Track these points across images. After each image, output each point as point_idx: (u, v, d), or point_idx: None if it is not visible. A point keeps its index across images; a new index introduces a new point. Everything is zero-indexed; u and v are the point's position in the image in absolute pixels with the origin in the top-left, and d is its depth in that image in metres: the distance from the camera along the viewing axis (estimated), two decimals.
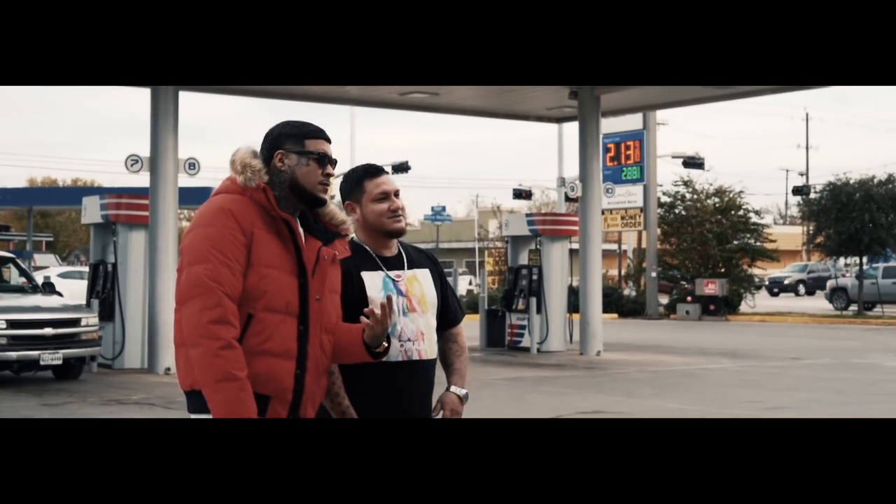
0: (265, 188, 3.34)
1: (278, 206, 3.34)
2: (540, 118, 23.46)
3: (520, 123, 41.62)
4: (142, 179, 17.40)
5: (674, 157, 36.49)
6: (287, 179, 3.40)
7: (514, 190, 28.94)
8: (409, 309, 3.80)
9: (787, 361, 18.60)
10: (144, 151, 16.96)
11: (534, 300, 20.36)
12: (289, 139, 3.43)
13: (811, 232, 38.21)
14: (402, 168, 32.87)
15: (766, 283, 48.84)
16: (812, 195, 33.68)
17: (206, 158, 18.40)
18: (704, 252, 34.14)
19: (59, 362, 14.34)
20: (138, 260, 16.97)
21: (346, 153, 38.17)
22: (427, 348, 3.83)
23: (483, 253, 47.84)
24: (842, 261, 37.59)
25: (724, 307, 32.49)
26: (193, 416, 3.30)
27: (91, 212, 17.71)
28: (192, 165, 17.11)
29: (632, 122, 33.13)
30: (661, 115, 36.12)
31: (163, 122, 16.79)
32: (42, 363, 14.22)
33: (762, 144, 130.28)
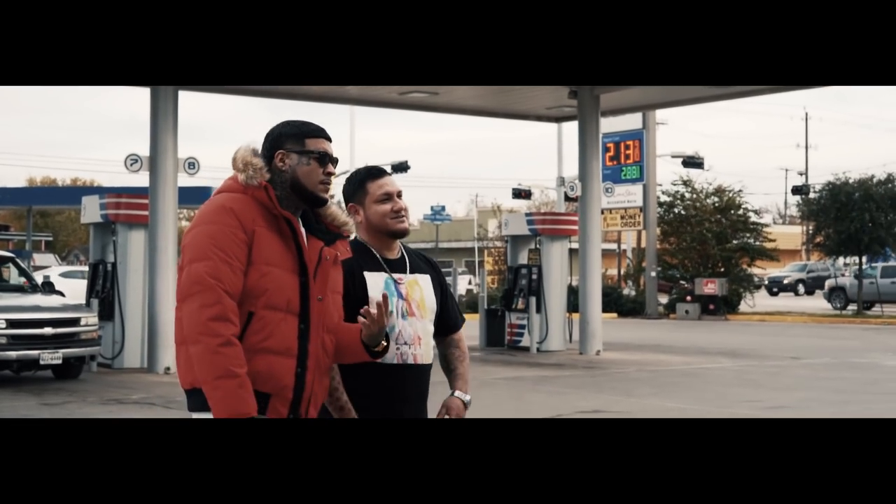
0: (266, 186, 3.35)
1: (280, 205, 3.35)
2: (539, 118, 23.47)
3: (519, 123, 41.65)
4: (141, 179, 17.43)
5: (673, 156, 36.53)
6: (288, 179, 3.40)
7: (514, 189, 28.93)
8: (408, 312, 3.81)
9: (786, 361, 18.61)
10: (144, 151, 16.97)
11: (533, 300, 20.37)
12: (289, 139, 3.44)
13: (811, 231, 38.20)
14: (401, 168, 32.85)
15: (766, 282, 48.85)
16: (811, 195, 33.70)
17: (205, 158, 18.40)
18: (704, 251, 34.16)
19: (59, 362, 14.34)
20: (138, 259, 16.97)
21: (346, 153, 38.21)
22: (423, 353, 3.84)
23: (482, 252, 47.83)
24: (841, 260, 37.61)
25: (723, 307, 32.49)
26: (194, 415, 3.31)
27: (90, 211, 17.71)
28: (192, 165, 17.11)
29: (631, 121, 33.15)
30: (660, 114, 36.13)
31: (162, 121, 16.80)
32: (42, 363, 14.22)
33: (761, 144, 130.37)
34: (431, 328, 3.91)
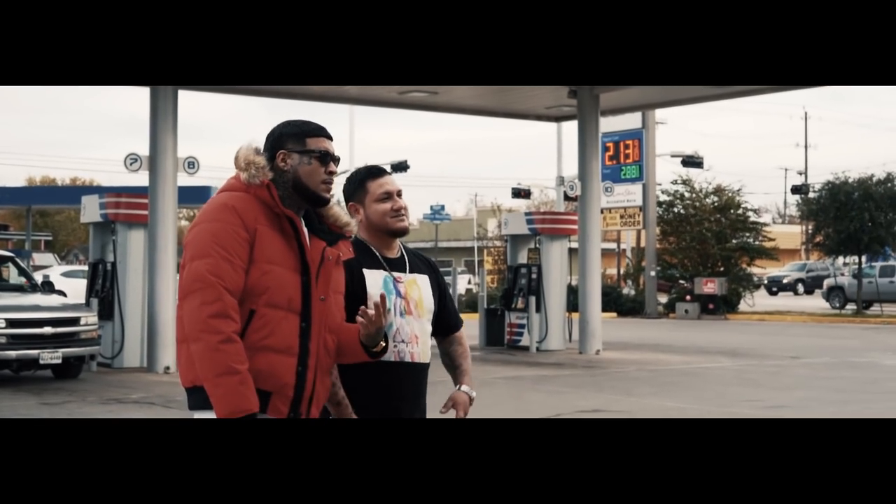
0: (269, 185, 3.36)
1: (282, 204, 3.36)
2: (539, 117, 23.47)
3: (519, 122, 41.64)
4: (141, 178, 17.42)
5: (673, 155, 36.53)
6: (290, 179, 3.41)
7: (513, 189, 28.94)
8: (406, 311, 3.83)
9: (786, 360, 18.61)
10: (144, 150, 16.97)
11: (533, 299, 20.37)
12: (290, 139, 3.44)
13: (810, 231, 38.21)
14: (400, 167, 32.84)
15: (765, 281, 48.86)
16: (811, 194, 33.72)
17: (205, 157, 18.38)
18: (703, 251, 34.17)
19: (59, 361, 14.34)
20: (137, 259, 16.98)
21: (345, 152, 38.19)
22: (420, 352, 3.86)
23: (482, 252, 47.83)
24: (841, 260, 37.63)
25: (723, 306, 32.50)
26: (195, 414, 3.31)
27: (90, 211, 17.71)
28: (192, 164, 17.11)
29: (631, 120, 33.15)
30: (660, 113, 36.12)
31: (162, 121, 16.80)
32: (41, 362, 14.22)
33: (761, 143, 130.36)
34: (429, 328, 3.92)
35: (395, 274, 3.86)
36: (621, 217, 34.97)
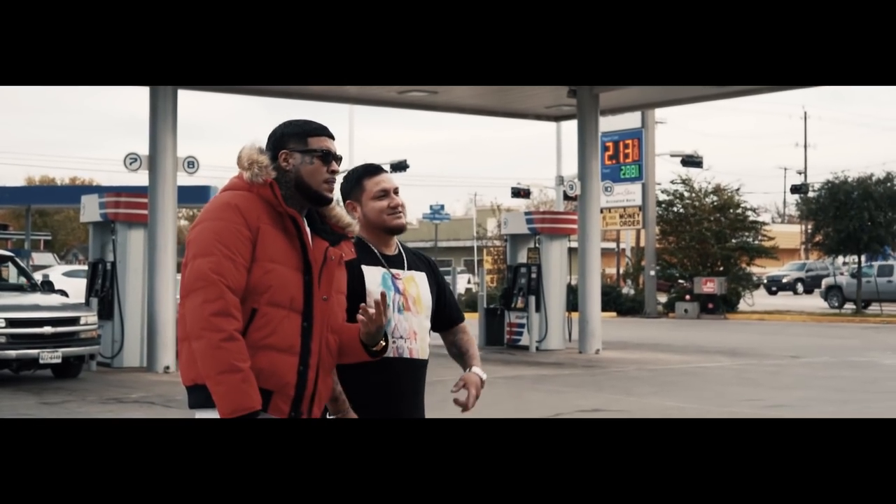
0: (272, 183, 3.37)
1: (285, 203, 3.36)
2: (538, 116, 23.48)
3: (518, 122, 41.64)
4: (141, 178, 17.43)
5: (672, 155, 36.52)
6: (293, 178, 3.42)
7: (513, 188, 28.92)
8: (404, 307, 3.84)
9: (785, 360, 18.61)
10: (143, 150, 16.97)
11: (533, 298, 20.38)
12: (292, 138, 3.45)
13: (809, 230, 38.24)
14: (400, 167, 32.82)
15: (765, 281, 48.87)
16: (810, 193, 33.72)
17: (204, 157, 18.41)
18: (703, 250, 34.19)
19: (59, 361, 14.34)
20: (137, 258, 16.98)
21: (345, 152, 38.18)
22: (419, 348, 3.87)
23: (482, 251, 47.83)
24: (840, 259, 37.66)
25: (722, 305, 32.51)
26: (197, 413, 3.32)
27: (90, 210, 17.71)
28: (191, 164, 17.12)
29: (630, 120, 33.16)
30: (659, 113, 36.16)
31: (161, 120, 16.80)
32: (41, 362, 14.23)
33: (760, 143, 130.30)
34: (427, 324, 3.93)
35: (394, 271, 3.87)
36: (621, 217, 34.98)
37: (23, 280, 16.51)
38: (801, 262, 56.35)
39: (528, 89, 19.76)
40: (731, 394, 13.69)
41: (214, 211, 3.34)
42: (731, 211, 34.75)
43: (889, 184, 31.82)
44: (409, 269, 3.93)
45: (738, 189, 35.28)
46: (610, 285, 36.96)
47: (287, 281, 3.33)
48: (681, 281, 34.85)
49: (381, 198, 3.86)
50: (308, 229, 3.44)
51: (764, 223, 36.91)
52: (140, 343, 16.77)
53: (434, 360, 3.96)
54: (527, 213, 21.89)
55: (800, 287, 51.94)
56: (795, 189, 33.98)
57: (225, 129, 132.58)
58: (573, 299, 20.97)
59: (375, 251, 3.88)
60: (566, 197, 21.73)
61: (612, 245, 51.31)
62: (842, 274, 39.80)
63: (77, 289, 21.41)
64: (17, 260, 17.43)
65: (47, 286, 16.28)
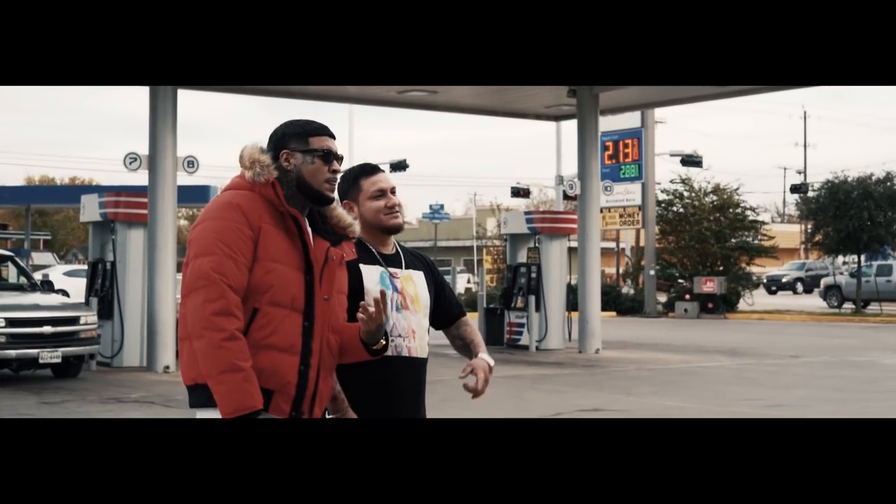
0: (274, 183, 3.37)
1: (286, 203, 3.37)
2: (538, 116, 23.48)
3: (518, 121, 41.61)
4: (140, 178, 17.43)
5: (672, 155, 36.52)
6: (294, 178, 3.42)
7: (513, 188, 28.92)
8: (402, 306, 3.85)
9: (785, 359, 18.62)
10: (143, 150, 16.98)
11: (532, 298, 20.38)
12: (293, 138, 3.46)
13: (809, 230, 38.24)
14: (400, 166, 32.81)
15: (764, 281, 48.87)
16: (810, 193, 33.72)
17: (204, 156, 18.45)
18: (703, 250, 34.19)
19: (59, 360, 14.34)
20: (137, 258, 16.99)
21: (345, 152, 38.07)
22: (417, 346, 3.87)
23: (481, 251, 47.83)
24: (840, 259, 37.67)
25: (722, 305, 32.51)
26: (197, 412, 3.32)
27: (90, 210, 17.72)
28: (191, 163, 17.12)
29: (630, 120, 33.16)
30: (659, 113, 36.14)
31: (161, 120, 16.81)
32: (41, 361, 14.23)
33: (760, 142, 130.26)
34: (426, 323, 3.94)
35: (392, 270, 3.88)
36: (620, 216, 34.98)
37: (23, 280, 16.51)
38: (801, 262, 56.36)
39: (527, 89, 19.76)
40: (731, 393, 13.69)
41: (216, 210, 3.34)
42: (731, 210, 34.75)
43: (889, 183, 31.83)
44: (406, 268, 3.94)
45: (737, 189, 35.30)
46: (610, 285, 36.95)
47: (288, 280, 3.33)
48: (680, 280, 34.85)
49: (378, 197, 3.87)
50: (309, 229, 3.45)
51: (763, 223, 36.91)
52: (140, 343, 16.78)
53: (434, 360, 3.96)
54: (526, 213, 21.89)
55: (799, 287, 51.95)
56: (795, 189, 33.97)
57: (225, 129, 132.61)
58: (573, 299, 20.97)
59: (373, 250, 3.89)
60: (566, 196, 21.74)
61: (612, 245, 51.30)
62: (841, 273, 39.82)
63: (78, 289, 21.41)
64: (17, 260, 17.44)
65: (47, 286, 16.29)
